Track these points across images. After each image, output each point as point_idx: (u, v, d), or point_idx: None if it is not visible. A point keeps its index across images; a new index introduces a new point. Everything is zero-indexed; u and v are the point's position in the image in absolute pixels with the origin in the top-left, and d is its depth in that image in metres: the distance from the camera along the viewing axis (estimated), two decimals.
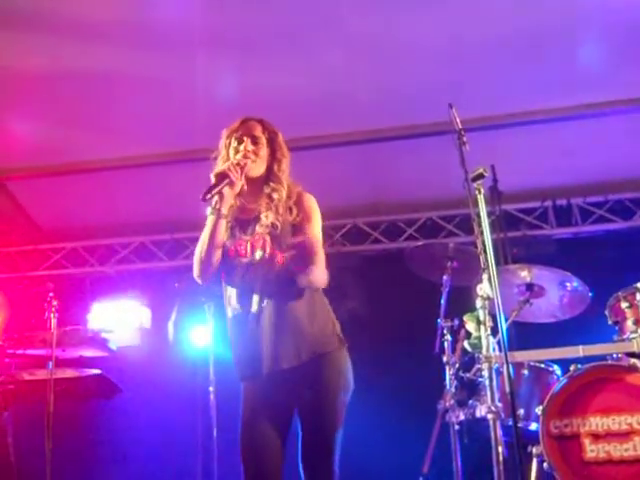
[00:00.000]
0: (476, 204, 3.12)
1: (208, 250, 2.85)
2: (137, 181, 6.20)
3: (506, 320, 3.86)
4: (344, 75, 5.29)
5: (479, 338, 3.29)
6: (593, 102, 5.48)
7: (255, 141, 2.95)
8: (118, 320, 6.11)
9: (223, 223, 2.86)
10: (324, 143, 5.76)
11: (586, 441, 3.56)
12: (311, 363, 2.79)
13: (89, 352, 4.77)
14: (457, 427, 3.99)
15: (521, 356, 3.93)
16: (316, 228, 2.94)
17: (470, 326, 4.04)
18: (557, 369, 4.10)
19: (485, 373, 3.19)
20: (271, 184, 2.93)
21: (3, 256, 6.91)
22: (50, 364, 4.18)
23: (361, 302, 6.12)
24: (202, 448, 5.55)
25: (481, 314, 3.18)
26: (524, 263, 4.36)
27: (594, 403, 3.61)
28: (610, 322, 4.11)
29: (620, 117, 5.58)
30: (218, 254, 2.87)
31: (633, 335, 3.84)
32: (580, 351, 3.71)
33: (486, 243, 3.05)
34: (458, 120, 3.30)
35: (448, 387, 4.07)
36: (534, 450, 3.73)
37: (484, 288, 3.11)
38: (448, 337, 4.24)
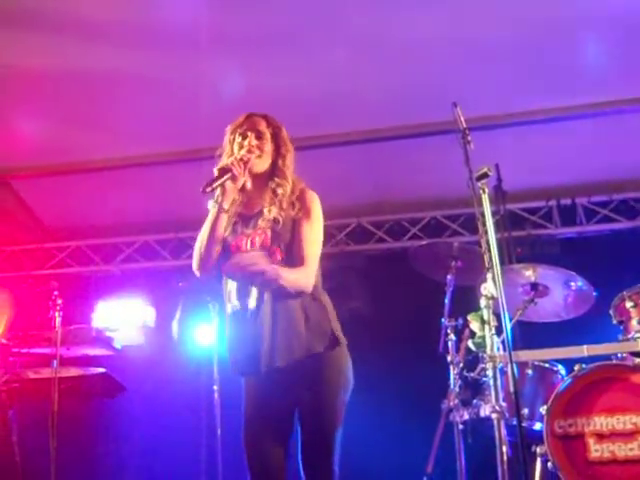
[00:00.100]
0: (480, 203, 3.11)
1: (207, 244, 2.85)
2: (141, 180, 6.20)
3: (510, 319, 3.86)
4: (347, 74, 5.29)
5: (483, 337, 3.29)
6: (598, 102, 5.46)
7: (259, 136, 2.94)
8: (122, 319, 6.12)
9: (224, 217, 2.86)
10: (328, 142, 5.76)
11: (590, 441, 3.56)
12: (309, 362, 2.75)
13: (93, 351, 4.78)
14: (461, 427, 4.00)
15: (525, 355, 3.94)
16: (314, 227, 2.90)
17: (474, 325, 4.04)
18: (561, 369, 4.10)
19: (489, 372, 3.18)
20: (276, 179, 2.92)
21: (8, 255, 6.93)
22: (55, 363, 4.18)
23: (365, 301, 6.13)
24: (206, 446, 5.57)
25: (485, 313, 3.17)
26: (528, 262, 4.36)
27: (599, 403, 3.61)
28: (615, 322, 4.11)
29: (625, 117, 5.56)
30: (217, 248, 2.87)
31: (638, 335, 3.84)
32: (585, 351, 3.71)
33: (490, 242, 3.04)
34: (462, 119, 3.30)
35: (452, 386, 4.07)
36: (538, 450, 3.73)
37: (488, 287, 3.10)
38: (452, 336, 4.24)
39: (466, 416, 3.97)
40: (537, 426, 3.85)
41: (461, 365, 4.12)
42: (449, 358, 4.19)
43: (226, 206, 2.85)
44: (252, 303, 2.81)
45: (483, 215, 3.11)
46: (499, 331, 3.16)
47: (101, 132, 5.84)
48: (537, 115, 5.57)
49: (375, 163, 6.01)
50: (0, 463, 4.38)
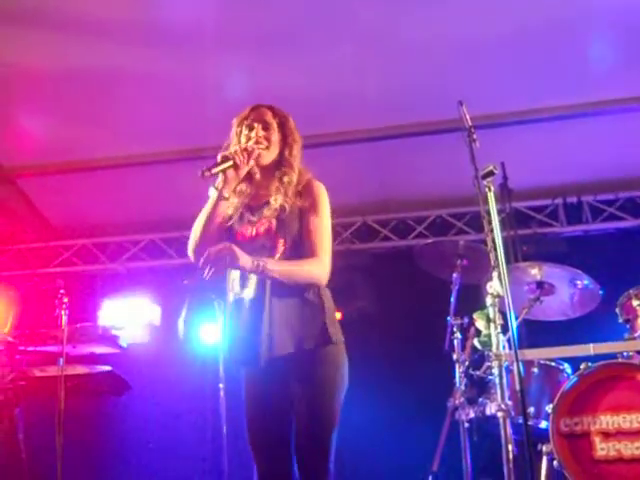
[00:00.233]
0: (486, 202, 3.11)
1: (203, 229, 2.86)
2: (147, 179, 6.21)
3: (516, 318, 3.85)
4: (352, 73, 5.29)
5: (489, 336, 3.28)
6: (604, 99, 5.45)
7: (266, 127, 2.94)
8: (128, 317, 6.13)
9: (222, 205, 2.86)
10: (333, 141, 5.75)
11: (596, 439, 3.55)
12: (302, 357, 2.72)
13: (99, 349, 4.78)
14: (467, 425, 3.99)
15: (531, 354, 3.93)
16: (323, 218, 2.88)
17: (480, 324, 4.03)
18: (567, 367, 4.09)
19: (495, 371, 3.18)
20: (283, 169, 2.91)
21: (14, 253, 6.95)
22: (61, 361, 4.19)
23: (370, 300, 6.13)
24: (212, 444, 5.58)
25: (491, 312, 3.17)
26: (534, 261, 4.36)
27: (605, 401, 3.60)
28: (621, 320, 4.10)
29: (631, 115, 5.55)
30: (213, 233, 2.86)
31: None
32: (591, 349, 3.70)
33: (496, 241, 3.04)
34: (468, 117, 3.29)
35: (458, 385, 4.06)
36: (544, 448, 3.72)
37: (494, 286, 3.10)
38: (458, 335, 4.24)
39: (472, 414, 3.97)
40: (543, 424, 3.84)
41: (467, 363, 4.12)
42: (455, 356, 4.19)
43: (226, 194, 2.85)
44: (252, 293, 2.80)
45: (489, 213, 3.11)
46: (505, 329, 3.16)
47: (107, 130, 5.85)
48: (543, 113, 5.56)
49: (380, 161, 6.00)
50: (7, 461, 4.39)
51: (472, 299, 4.06)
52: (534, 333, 4.26)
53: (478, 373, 4.10)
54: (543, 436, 3.74)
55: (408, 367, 5.55)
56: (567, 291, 4.27)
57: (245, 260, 2.68)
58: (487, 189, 3.11)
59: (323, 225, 2.88)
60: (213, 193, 2.87)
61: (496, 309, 3.17)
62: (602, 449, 3.53)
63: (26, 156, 6.09)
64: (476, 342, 4.12)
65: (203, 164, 2.83)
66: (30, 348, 4.55)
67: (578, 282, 4.20)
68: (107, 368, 4.73)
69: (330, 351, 2.77)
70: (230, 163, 2.82)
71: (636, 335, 3.96)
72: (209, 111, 5.40)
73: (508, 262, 3.10)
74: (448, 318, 4.35)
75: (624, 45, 5.01)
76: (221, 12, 4.87)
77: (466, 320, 4.24)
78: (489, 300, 3.17)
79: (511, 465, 2.92)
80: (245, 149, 2.85)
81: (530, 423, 3.69)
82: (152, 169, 6.13)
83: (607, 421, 3.56)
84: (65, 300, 4.26)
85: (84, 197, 6.45)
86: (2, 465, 4.37)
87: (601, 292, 4.19)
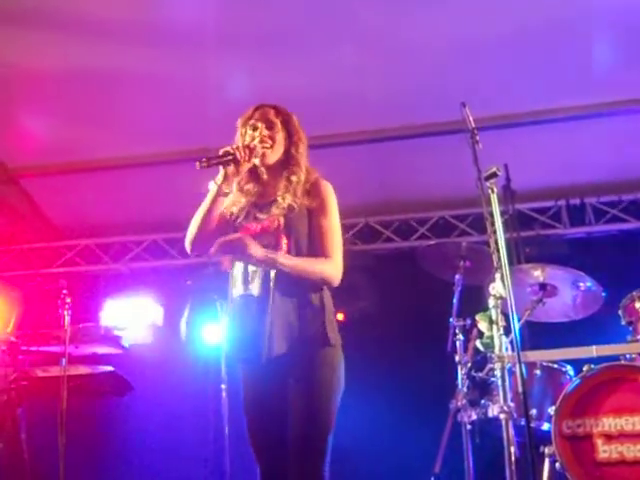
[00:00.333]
0: (489, 203, 3.11)
1: (201, 222, 2.87)
2: (149, 179, 6.22)
3: (519, 320, 3.85)
4: (355, 73, 5.29)
5: (491, 337, 3.29)
6: (607, 101, 5.44)
7: (270, 126, 2.93)
8: (131, 317, 6.14)
9: (221, 200, 2.87)
10: (335, 142, 5.74)
11: (599, 441, 3.55)
12: (299, 358, 2.71)
13: (102, 349, 4.80)
14: (469, 427, 3.99)
15: (534, 356, 3.93)
16: (333, 219, 2.90)
17: (482, 325, 4.03)
18: (570, 369, 4.09)
19: (497, 373, 3.18)
20: (290, 168, 2.91)
21: (17, 253, 6.96)
22: (63, 361, 4.20)
23: (373, 301, 6.13)
24: (214, 445, 5.58)
25: (494, 313, 3.17)
26: (537, 262, 4.35)
27: (607, 403, 3.60)
28: (624, 322, 4.10)
29: (635, 116, 5.54)
30: (211, 226, 2.87)
31: None
32: (593, 351, 3.70)
33: (499, 242, 3.04)
34: (471, 119, 3.29)
35: (460, 386, 4.06)
36: (546, 450, 3.72)
37: (497, 287, 3.10)
38: (460, 336, 4.24)
39: (474, 416, 3.97)
40: (545, 426, 3.84)
41: (469, 365, 4.12)
42: (457, 358, 4.19)
43: (226, 190, 2.85)
44: (256, 290, 2.79)
45: (492, 215, 3.10)
46: (507, 331, 3.16)
47: (109, 131, 5.85)
48: (546, 115, 5.55)
49: (383, 163, 6.00)
50: (9, 461, 4.40)
51: (475, 301, 4.06)
52: (537, 335, 4.25)
53: (480, 375, 4.10)
54: (545, 438, 3.74)
55: (410, 368, 5.55)
56: (570, 293, 4.27)
57: (256, 249, 2.69)
58: (490, 191, 3.11)
59: (333, 226, 2.89)
60: (213, 187, 2.87)
61: (499, 311, 3.17)
62: (604, 451, 3.53)
63: (29, 156, 6.10)
64: (478, 344, 4.11)
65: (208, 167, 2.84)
66: (33, 348, 4.57)
67: (581, 284, 4.20)
68: (109, 368, 4.74)
69: (328, 353, 2.76)
70: (230, 158, 2.82)
71: (639, 337, 3.95)
72: (211, 111, 5.40)
73: (511, 264, 3.11)
74: (450, 319, 4.35)
75: (627, 46, 5.00)
76: (222, 12, 4.87)
77: (469, 322, 4.24)
78: (492, 302, 3.17)
79: (513, 467, 2.91)
80: (247, 146, 2.85)
81: (532, 425, 3.69)
82: (155, 169, 6.14)
83: (610, 423, 3.55)
84: (68, 300, 4.27)
85: (87, 197, 6.46)
86: (5, 465, 4.38)
87: (604, 294, 4.19)
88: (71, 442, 4.12)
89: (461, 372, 4.11)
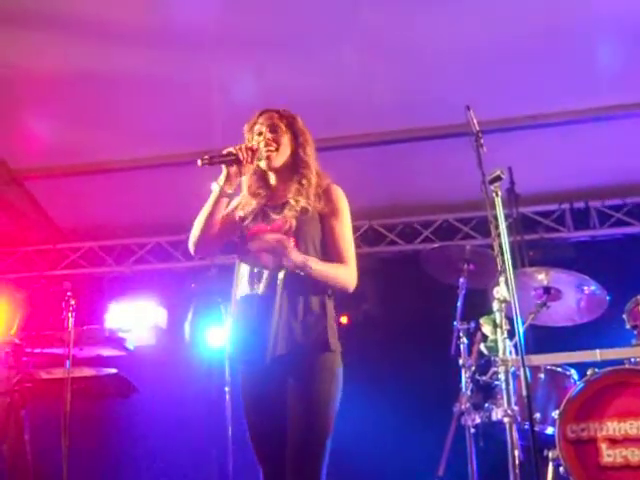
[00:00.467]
0: (493, 206, 3.11)
1: (204, 224, 2.88)
2: (154, 182, 6.22)
3: (523, 323, 3.84)
4: (360, 76, 5.29)
5: (495, 341, 3.28)
6: (611, 104, 5.44)
7: (274, 129, 2.94)
8: (135, 320, 6.14)
9: (224, 201, 2.88)
10: (339, 144, 5.74)
11: (603, 446, 3.54)
12: (304, 361, 2.71)
13: (106, 351, 4.80)
14: (473, 430, 3.99)
15: (538, 360, 3.92)
16: (346, 225, 2.91)
17: (486, 329, 4.02)
18: (574, 373, 4.08)
19: (501, 376, 3.18)
20: (300, 170, 2.92)
21: (21, 255, 6.97)
22: (67, 363, 4.20)
23: (376, 304, 6.13)
24: (217, 447, 5.58)
25: (498, 317, 3.17)
26: (541, 266, 4.34)
27: (611, 407, 3.59)
28: (628, 326, 4.08)
29: (639, 120, 5.53)
30: (215, 228, 2.89)
31: None
32: (597, 355, 3.70)
33: (503, 246, 3.04)
34: (475, 122, 3.30)
35: (464, 390, 4.06)
36: (550, 454, 3.71)
37: (501, 291, 3.10)
38: (464, 340, 4.24)
39: (478, 420, 3.96)
40: (549, 430, 3.83)
41: (473, 368, 4.11)
42: (461, 361, 4.18)
43: (229, 190, 2.86)
44: (262, 290, 2.79)
45: (496, 218, 3.11)
46: (511, 335, 3.16)
47: (113, 133, 5.86)
48: (550, 118, 5.55)
49: (387, 165, 6.00)
50: (12, 462, 4.40)
51: (479, 304, 4.05)
52: (541, 339, 4.24)
53: (484, 378, 4.09)
54: (549, 442, 3.73)
55: (414, 371, 5.54)
56: (574, 297, 4.26)
57: (296, 254, 2.71)
58: (494, 194, 3.11)
59: (347, 232, 2.91)
60: (215, 188, 2.87)
61: (503, 314, 3.17)
62: (609, 455, 3.52)
63: (33, 158, 6.11)
64: (482, 347, 4.11)
65: (210, 167, 2.85)
66: (37, 350, 4.57)
67: (585, 288, 4.19)
68: (113, 371, 4.75)
69: (328, 358, 2.77)
70: (232, 158, 2.83)
71: None
72: (216, 113, 5.41)
73: (515, 267, 3.10)
74: (455, 323, 4.34)
75: (631, 49, 4.99)
76: (227, 14, 4.87)
77: (473, 325, 4.23)
78: (496, 305, 3.17)
79: (517, 471, 2.91)
80: (250, 147, 2.86)
81: (536, 429, 3.68)
82: (159, 172, 6.14)
83: (614, 427, 3.54)
84: (72, 302, 4.27)
85: (91, 199, 6.46)
86: (8, 466, 4.39)
87: (608, 298, 4.18)
88: (74, 444, 4.12)
89: (465, 375, 4.11)
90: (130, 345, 4.79)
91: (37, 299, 6.01)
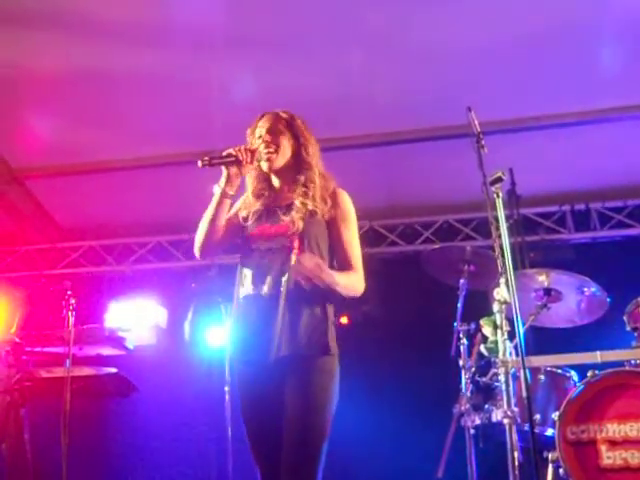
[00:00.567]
0: (494, 208, 3.11)
1: (208, 226, 2.89)
2: (155, 181, 6.22)
3: (523, 325, 3.84)
4: (361, 76, 5.29)
5: (496, 342, 3.28)
6: (612, 106, 5.44)
7: (273, 131, 2.95)
8: (135, 319, 6.14)
9: (226, 203, 2.89)
10: (340, 145, 5.74)
11: (603, 447, 3.54)
12: (304, 363, 2.72)
13: (106, 350, 4.79)
14: (472, 431, 3.98)
15: (538, 361, 3.91)
16: (354, 230, 2.95)
17: (487, 330, 4.02)
18: (574, 375, 4.07)
19: (501, 377, 3.18)
20: (303, 172, 2.93)
21: (22, 254, 6.97)
22: (67, 362, 4.20)
23: (377, 304, 6.12)
24: (216, 447, 5.58)
25: (498, 318, 3.17)
26: (542, 267, 4.34)
27: (611, 409, 3.58)
28: (629, 328, 4.08)
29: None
30: (219, 231, 2.90)
31: None
32: (598, 357, 3.69)
33: (504, 247, 3.03)
34: (477, 123, 3.29)
35: (464, 391, 4.06)
36: (550, 456, 3.70)
37: (501, 292, 3.09)
38: (464, 341, 4.23)
39: (477, 421, 3.96)
40: (549, 432, 3.83)
41: (473, 370, 4.11)
42: (461, 362, 4.18)
43: (230, 192, 2.88)
44: (267, 291, 2.79)
45: (496, 219, 3.10)
46: (512, 336, 3.16)
47: (114, 132, 5.86)
48: (551, 120, 5.55)
49: (388, 166, 6.00)
50: (12, 461, 4.40)
51: (479, 305, 4.05)
52: (541, 340, 4.24)
53: (484, 379, 4.09)
54: (549, 444, 3.73)
55: (414, 372, 5.54)
56: (574, 298, 4.25)
57: (329, 275, 2.72)
58: (495, 195, 3.11)
59: (355, 238, 2.95)
60: (217, 190, 2.89)
61: (503, 315, 3.17)
62: (609, 457, 3.51)
63: (34, 157, 6.11)
64: (483, 348, 4.11)
65: (211, 167, 2.85)
66: (37, 349, 4.57)
67: (585, 289, 4.19)
68: (113, 370, 4.74)
69: (327, 361, 2.77)
70: (232, 159, 2.85)
71: None
72: (217, 113, 5.41)
73: (515, 268, 3.10)
74: (455, 324, 4.34)
75: (632, 51, 4.99)
76: (228, 14, 4.87)
77: (473, 326, 4.23)
78: (496, 306, 3.17)
79: (517, 472, 2.91)
80: (249, 149, 2.88)
81: (536, 430, 3.68)
82: (159, 171, 6.14)
83: (614, 429, 3.54)
84: (72, 302, 4.27)
85: (91, 199, 6.47)
86: (8, 465, 4.38)
87: (609, 299, 4.17)
88: (74, 443, 4.11)
89: (465, 376, 4.10)
90: (130, 344, 4.79)
91: (37, 298, 6.01)
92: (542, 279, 4.19)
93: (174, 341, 5.91)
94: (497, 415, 3.72)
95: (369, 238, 6.53)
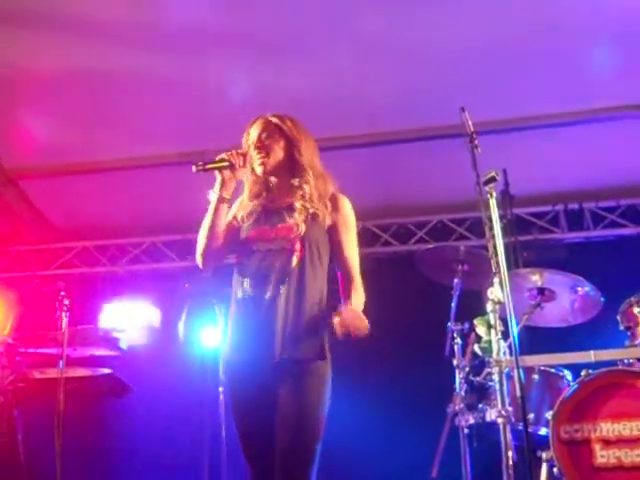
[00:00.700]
0: (488, 207, 3.11)
1: (209, 233, 2.89)
2: (149, 181, 6.21)
3: (517, 324, 3.85)
4: (356, 77, 5.29)
5: (489, 342, 3.29)
6: (606, 106, 5.46)
7: (264, 134, 2.96)
8: (129, 320, 6.13)
9: (224, 207, 2.89)
10: (334, 145, 5.73)
11: (597, 447, 3.55)
12: (300, 367, 2.72)
13: (100, 351, 4.78)
14: (466, 431, 3.99)
15: (532, 361, 3.93)
16: (354, 237, 2.99)
17: (480, 330, 4.03)
18: (568, 374, 4.08)
19: (495, 377, 3.18)
20: (297, 173, 2.93)
21: (15, 255, 6.95)
22: (61, 363, 4.19)
23: (370, 304, 6.12)
24: (210, 447, 5.58)
25: (492, 318, 3.17)
26: (535, 267, 4.35)
27: (605, 408, 3.60)
28: (622, 327, 4.10)
29: (632, 122, 5.55)
30: (219, 237, 2.90)
31: None
32: (591, 356, 3.70)
33: (497, 247, 3.04)
34: (470, 123, 3.30)
35: (458, 390, 4.06)
36: (544, 455, 3.71)
37: (495, 292, 3.10)
38: (458, 340, 4.24)
39: (472, 420, 3.97)
40: (543, 431, 3.84)
41: (467, 369, 4.11)
42: (455, 362, 4.18)
43: (226, 196, 2.88)
44: (267, 293, 2.79)
45: (490, 219, 3.11)
46: (505, 336, 3.16)
47: (109, 133, 5.85)
48: (545, 120, 5.57)
49: (382, 166, 6.00)
50: (5, 462, 4.38)
51: (473, 305, 4.05)
52: (535, 340, 4.25)
53: (478, 379, 4.10)
54: (543, 443, 3.74)
55: (408, 372, 5.54)
56: (568, 298, 4.27)
57: (363, 319, 2.79)
58: (489, 195, 3.12)
59: (355, 245, 3.00)
60: (213, 197, 2.90)
61: (497, 315, 3.17)
62: (602, 456, 3.52)
63: (28, 158, 6.10)
64: (476, 348, 4.11)
65: (204, 171, 2.85)
66: (30, 350, 4.55)
67: (579, 289, 4.20)
68: (107, 371, 4.73)
69: (322, 365, 2.78)
70: (225, 163, 2.86)
71: (637, 342, 3.96)
72: (212, 114, 5.41)
73: (509, 268, 3.10)
74: (448, 324, 4.35)
75: (624, 52, 5.01)
76: (224, 15, 4.87)
77: (467, 326, 4.24)
78: (490, 306, 3.17)
79: (511, 471, 2.92)
80: (241, 152, 2.89)
81: (530, 430, 3.68)
82: (154, 172, 6.14)
83: (607, 428, 3.55)
84: (66, 302, 4.25)
85: (85, 199, 6.45)
86: (1, 466, 4.37)
87: (602, 299, 4.19)
88: (68, 444, 4.10)
89: (459, 376, 4.11)
90: (124, 345, 4.77)
91: (31, 299, 5.99)
92: (536, 279, 4.21)
93: (168, 341, 5.89)
94: (491, 414, 3.73)
95: (363, 238, 6.44)
